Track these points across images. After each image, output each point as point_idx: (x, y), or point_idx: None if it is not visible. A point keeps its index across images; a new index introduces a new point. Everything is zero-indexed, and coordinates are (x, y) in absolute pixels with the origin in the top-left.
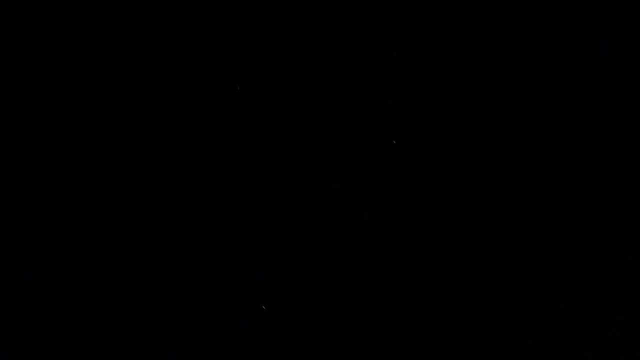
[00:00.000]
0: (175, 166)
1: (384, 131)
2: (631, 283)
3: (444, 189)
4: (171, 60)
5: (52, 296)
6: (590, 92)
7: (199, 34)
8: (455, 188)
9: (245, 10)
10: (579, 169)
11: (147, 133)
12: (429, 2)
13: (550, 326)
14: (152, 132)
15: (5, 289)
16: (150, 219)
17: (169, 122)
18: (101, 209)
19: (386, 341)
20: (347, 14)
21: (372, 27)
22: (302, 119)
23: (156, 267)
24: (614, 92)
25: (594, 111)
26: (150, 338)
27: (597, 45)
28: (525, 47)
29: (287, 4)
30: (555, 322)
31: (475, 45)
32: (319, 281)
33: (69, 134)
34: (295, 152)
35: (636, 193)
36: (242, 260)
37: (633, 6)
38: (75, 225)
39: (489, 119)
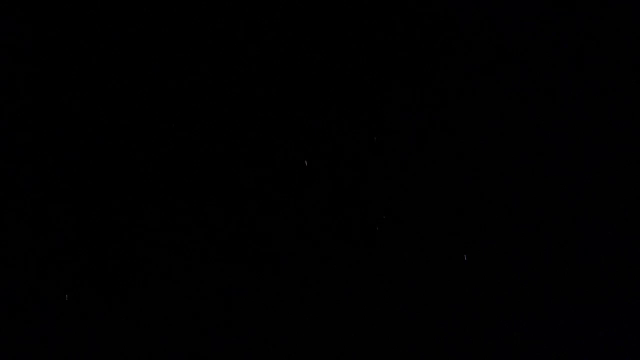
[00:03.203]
0: (175, 166)
1: (384, 131)
2: (631, 283)
3: (444, 188)
4: (171, 60)
5: (52, 296)
6: (591, 92)
7: (199, 34)
8: (455, 188)
9: (247, 11)
10: (579, 168)
11: (148, 133)
12: (430, 3)
13: (550, 326)
14: (152, 132)
15: (5, 289)
16: (150, 218)
17: (168, 122)
18: (101, 209)
19: (386, 341)
20: (348, 13)
21: (373, 28)
22: (302, 119)
23: (156, 266)
24: (614, 92)
25: (594, 111)
26: (150, 338)
27: (597, 45)
28: (525, 47)
29: (289, 5)
30: (555, 322)
31: (476, 45)
32: (319, 281)
33: (68, 133)
34: (295, 152)
35: (636, 193)
36: (242, 260)
37: (633, 6)
38: (76, 225)
39: (488, 119)
